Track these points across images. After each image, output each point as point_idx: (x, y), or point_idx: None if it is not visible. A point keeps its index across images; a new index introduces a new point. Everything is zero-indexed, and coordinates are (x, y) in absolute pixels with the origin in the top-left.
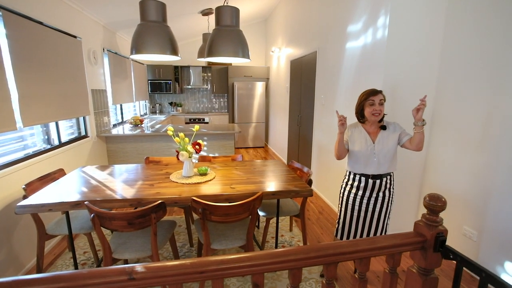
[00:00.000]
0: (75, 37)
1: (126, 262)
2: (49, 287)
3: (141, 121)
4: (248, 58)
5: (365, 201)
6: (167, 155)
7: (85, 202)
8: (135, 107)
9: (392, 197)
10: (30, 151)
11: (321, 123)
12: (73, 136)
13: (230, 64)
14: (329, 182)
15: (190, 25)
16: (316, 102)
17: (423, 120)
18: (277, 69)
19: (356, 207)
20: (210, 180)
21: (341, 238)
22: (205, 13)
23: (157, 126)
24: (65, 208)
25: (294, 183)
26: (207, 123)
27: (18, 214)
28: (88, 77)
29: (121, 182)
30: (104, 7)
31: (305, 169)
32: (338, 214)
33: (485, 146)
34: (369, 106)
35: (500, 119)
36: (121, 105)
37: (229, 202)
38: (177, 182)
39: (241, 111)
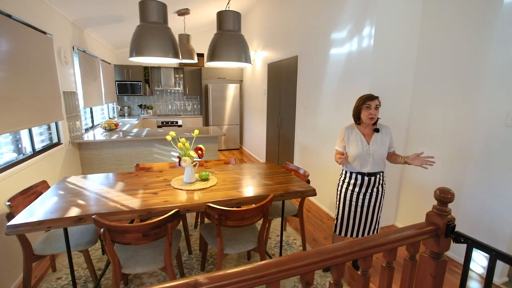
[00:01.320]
0: (45, 33)
1: (125, 277)
2: None
3: (116, 125)
4: (250, 62)
5: (361, 196)
6: (149, 161)
7: (93, 216)
8: (103, 110)
9: (383, 192)
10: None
11: (305, 124)
12: (44, 144)
13: (203, 65)
14: (314, 181)
15: None
16: (298, 104)
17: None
18: (252, 71)
19: (353, 203)
20: (214, 186)
21: (340, 233)
22: (181, 13)
23: (134, 130)
24: (67, 224)
25: (296, 184)
26: (180, 126)
27: (9, 235)
28: (59, 78)
29: (120, 192)
30: (74, 1)
31: (301, 171)
32: (337, 210)
33: (456, 143)
34: (365, 110)
35: (468, 119)
36: (91, 109)
37: (239, 206)
38: (181, 189)
39: (215, 113)
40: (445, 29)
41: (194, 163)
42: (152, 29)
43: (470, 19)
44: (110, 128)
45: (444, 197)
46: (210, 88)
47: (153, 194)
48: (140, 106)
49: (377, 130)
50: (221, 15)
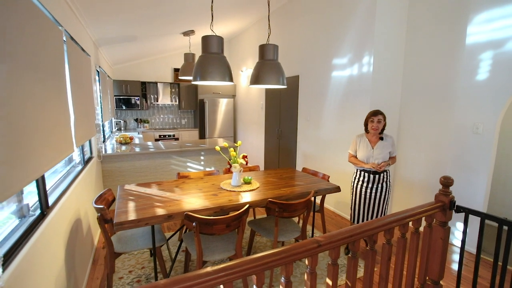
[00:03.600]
0: (84, 52)
1: (186, 269)
2: (271, 260)
3: (131, 139)
4: (285, 85)
5: (368, 190)
6: (167, 171)
7: (185, 213)
8: (104, 126)
9: (389, 188)
10: (59, 176)
11: (307, 135)
12: (86, 157)
13: None
14: None
15: (165, 42)
16: (300, 118)
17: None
18: (247, 87)
19: (363, 195)
20: (258, 187)
21: (354, 221)
22: (187, 33)
23: (149, 143)
24: (160, 221)
25: (323, 183)
26: (177, 139)
27: (117, 231)
28: None
29: (183, 195)
30: (103, 24)
31: (320, 174)
32: (351, 202)
33: (437, 146)
34: (370, 123)
35: (445, 128)
36: (102, 123)
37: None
38: (234, 191)
39: (211, 126)
40: (425, 59)
41: (240, 169)
42: (214, 59)
43: (443, 53)
44: (126, 142)
45: (447, 182)
46: (207, 102)
47: (213, 195)
48: (136, 120)
49: (381, 139)
50: (263, 47)
